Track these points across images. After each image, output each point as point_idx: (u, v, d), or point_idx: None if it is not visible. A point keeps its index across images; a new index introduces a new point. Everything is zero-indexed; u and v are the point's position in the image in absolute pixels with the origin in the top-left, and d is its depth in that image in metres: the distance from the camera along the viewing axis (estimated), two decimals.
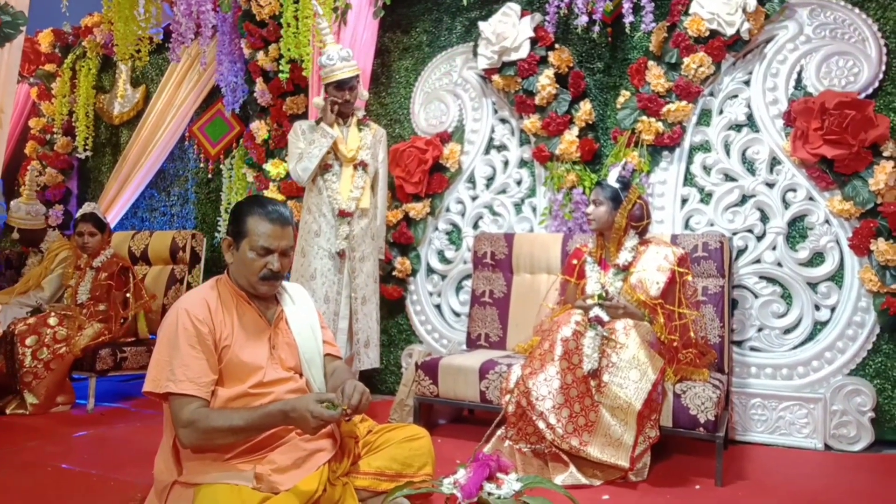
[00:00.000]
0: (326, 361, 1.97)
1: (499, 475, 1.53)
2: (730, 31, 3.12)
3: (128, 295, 3.79)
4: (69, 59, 5.46)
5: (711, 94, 3.28)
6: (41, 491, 2.22)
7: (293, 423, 1.63)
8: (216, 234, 4.74)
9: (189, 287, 4.16)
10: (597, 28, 3.35)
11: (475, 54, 3.74)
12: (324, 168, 3.32)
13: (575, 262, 2.87)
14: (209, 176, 4.93)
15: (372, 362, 3.35)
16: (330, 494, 1.69)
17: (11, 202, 4.28)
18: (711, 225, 3.24)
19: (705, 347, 2.69)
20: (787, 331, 3.08)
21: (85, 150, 5.32)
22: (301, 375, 1.89)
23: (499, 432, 2.52)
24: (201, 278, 4.25)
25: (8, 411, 3.39)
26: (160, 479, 1.76)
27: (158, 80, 5.08)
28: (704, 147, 3.30)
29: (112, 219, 5.05)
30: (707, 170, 3.28)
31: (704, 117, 3.30)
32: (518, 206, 3.73)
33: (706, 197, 3.28)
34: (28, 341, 3.41)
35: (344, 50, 3.32)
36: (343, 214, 3.30)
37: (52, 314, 3.57)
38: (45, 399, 3.42)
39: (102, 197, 5.16)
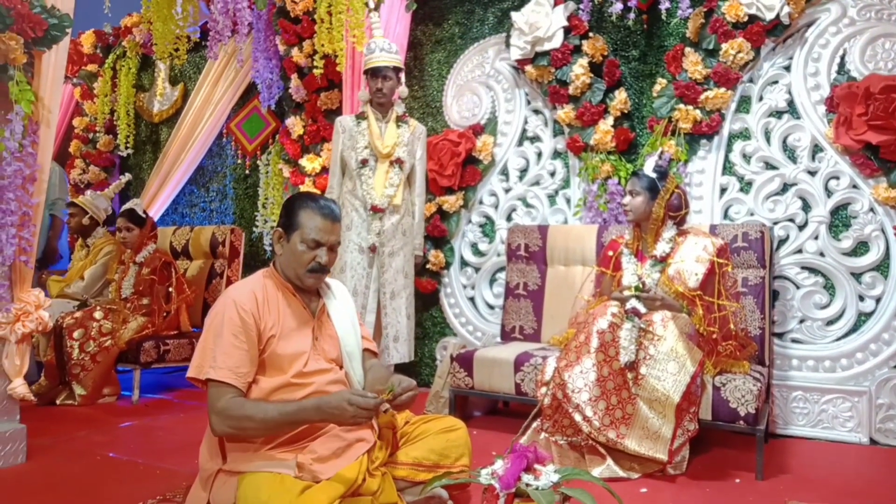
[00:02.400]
0: (365, 357, 2.00)
1: (536, 466, 1.53)
2: (769, 16, 3.04)
3: (170, 289, 3.89)
4: (110, 59, 5.59)
5: (751, 81, 3.21)
6: (91, 479, 2.30)
7: (328, 417, 1.65)
8: (254, 229, 4.82)
9: (229, 281, 4.24)
10: (632, 15, 3.30)
11: (508, 45, 3.72)
12: (360, 163, 3.35)
13: (611, 253, 2.84)
14: (246, 172, 5.01)
15: (402, 357, 3.35)
16: (369, 484, 1.72)
17: (90, 191, 4.41)
18: (751, 214, 3.18)
19: (745, 339, 2.65)
20: (830, 322, 3.01)
21: (126, 147, 5.46)
22: (341, 367, 1.93)
23: (535, 424, 2.52)
24: (240, 272, 4.33)
25: (58, 401, 3.52)
26: (205, 467, 1.81)
27: (196, 78, 5.18)
28: (744, 135, 3.24)
29: (154, 214, 5.16)
30: (747, 158, 3.22)
31: (744, 104, 3.23)
32: (552, 198, 3.71)
33: (746, 186, 3.22)
34: (75, 334, 3.53)
35: (387, 42, 3.39)
36: (375, 210, 3.32)
37: (98, 308, 3.68)
38: (92, 390, 3.53)
39: (144, 193, 5.28)
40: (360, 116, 3.43)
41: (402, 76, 3.47)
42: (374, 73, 3.33)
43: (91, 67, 5.70)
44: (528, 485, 1.49)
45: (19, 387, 2.44)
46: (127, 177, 4.49)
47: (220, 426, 1.68)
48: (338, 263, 3.31)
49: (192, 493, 1.84)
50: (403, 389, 1.73)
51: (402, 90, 3.47)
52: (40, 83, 2.45)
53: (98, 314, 3.63)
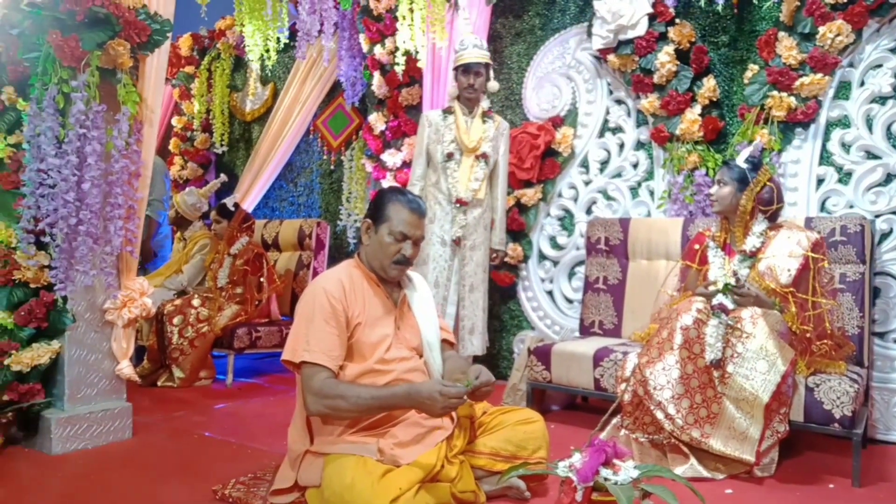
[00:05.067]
0: (443, 347, 2.05)
1: (615, 461, 1.52)
2: None
3: (262, 279, 4.09)
4: (205, 61, 5.90)
5: (851, 65, 3.02)
6: (189, 455, 2.46)
7: (418, 406, 1.71)
8: (338, 222, 4.98)
9: (315, 272, 4.40)
10: (721, 0, 3.17)
11: (589, 34, 3.66)
12: (446, 157, 3.40)
13: (697, 247, 2.76)
14: (332, 167, 5.18)
15: (475, 349, 3.37)
16: (448, 471, 1.76)
17: (187, 188, 4.66)
18: (851, 207, 2.99)
19: (842, 339, 2.50)
20: None
21: (221, 145, 5.76)
22: (420, 356, 1.98)
23: (614, 420, 2.48)
24: (325, 264, 4.48)
25: (159, 383, 3.77)
26: (293, 448, 1.90)
27: (285, 77, 5.38)
28: (843, 122, 3.05)
29: (246, 209, 5.41)
30: (846, 147, 3.03)
31: (843, 90, 3.05)
32: (634, 190, 3.63)
33: (845, 176, 3.03)
34: (175, 321, 3.76)
35: (479, 39, 3.46)
36: (460, 203, 3.36)
37: (196, 296, 3.92)
38: (190, 373, 3.76)
39: (237, 188, 5.55)
40: (447, 111, 3.48)
41: (491, 72, 3.50)
42: (465, 69, 3.37)
43: (188, 69, 6.03)
44: (606, 479, 1.48)
45: (126, 367, 2.64)
46: (223, 178, 4.72)
47: (315, 405, 1.77)
48: (420, 255, 3.38)
49: (280, 472, 1.94)
50: (483, 383, 1.76)
51: (492, 84, 3.48)
52: (144, 85, 2.63)
53: (196, 302, 3.86)
